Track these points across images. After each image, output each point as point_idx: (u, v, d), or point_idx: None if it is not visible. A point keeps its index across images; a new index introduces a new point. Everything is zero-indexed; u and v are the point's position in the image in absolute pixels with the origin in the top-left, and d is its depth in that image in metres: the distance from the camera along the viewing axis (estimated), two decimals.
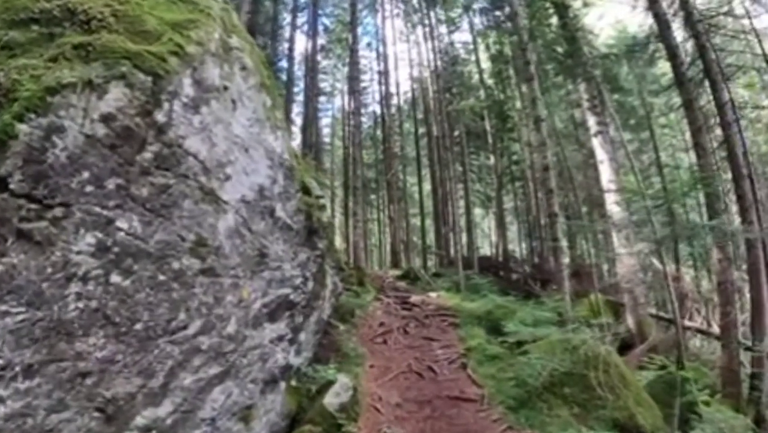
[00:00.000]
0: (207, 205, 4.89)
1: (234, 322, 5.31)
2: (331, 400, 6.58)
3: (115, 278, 4.05)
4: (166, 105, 4.52)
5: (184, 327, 4.76)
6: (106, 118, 4.05)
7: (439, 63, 25.49)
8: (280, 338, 6.23)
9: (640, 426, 7.57)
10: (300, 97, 27.76)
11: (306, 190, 6.60)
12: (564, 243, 10.14)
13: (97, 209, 3.95)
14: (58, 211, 3.74)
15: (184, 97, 4.74)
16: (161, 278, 4.41)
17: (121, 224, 4.09)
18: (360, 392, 7.37)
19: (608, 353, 8.31)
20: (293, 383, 6.87)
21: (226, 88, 5.37)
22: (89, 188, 3.92)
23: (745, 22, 15.12)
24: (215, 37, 5.47)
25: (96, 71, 4.17)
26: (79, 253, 3.81)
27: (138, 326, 4.24)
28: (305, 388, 6.93)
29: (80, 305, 3.83)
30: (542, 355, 7.98)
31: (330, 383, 6.90)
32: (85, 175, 3.90)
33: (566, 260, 10.36)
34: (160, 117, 4.45)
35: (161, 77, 4.49)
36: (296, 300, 6.47)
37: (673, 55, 14.33)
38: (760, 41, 15.33)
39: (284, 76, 24.05)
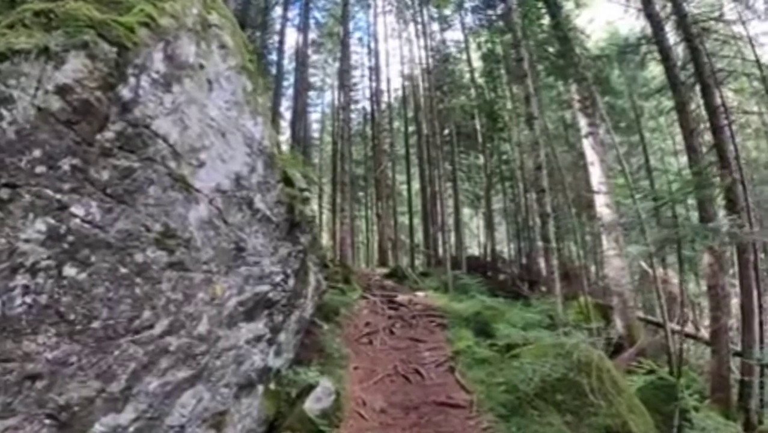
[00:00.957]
0: (176, 193, 4.43)
1: (206, 321, 4.86)
2: (311, 405, 6.15)
3: (69, 270, 3.59)
4: (132, 80, 4.05)
5: (150, 326, 4.30)
6: (63, 91, 3.59)
7: (430, 61, 25.14)
8: (258, 339, 5.77)
9: None
10: (290, 92, 27.25)
11: (288, 181, 6.15)
12: (553, 244, 9.82)
13: (49, 192, 3.48)
14: (3, 193, 3.29)
15: (153, 73, 4.28)
16: (123, 271, 3.95)
17: (76, 209, 3.63)
18: (343, 397, 6.94)
19: (601, 359, 7.99)
20: (272, 386, 6.43)
21: (202, 66, 4.90)
22: (40, 169, 3.46)
23: (735, 28, 15.05)
24: (193, 12, 5.01)
25: (56, 39, 3.71)
26: (27, 241, 3.36)
27: (95, 325, 3.79)
28: (285, 392, 6.49)
29: (28, 299, 3.38)
30: (533, 360, 7.62)
31: (311, 387, 6.46)
32: (36, 153, 3.44)
33: (555, 261, 10.01)
34: (125, 93, 3.99)
35: (128, 49, 4.02)
36: (276, 298, 6.02)
37: (666, 57, 14.12)
38: (753, 46, 15.17)
39: (274, 70, 23.50)
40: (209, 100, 4.97)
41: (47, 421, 3.52)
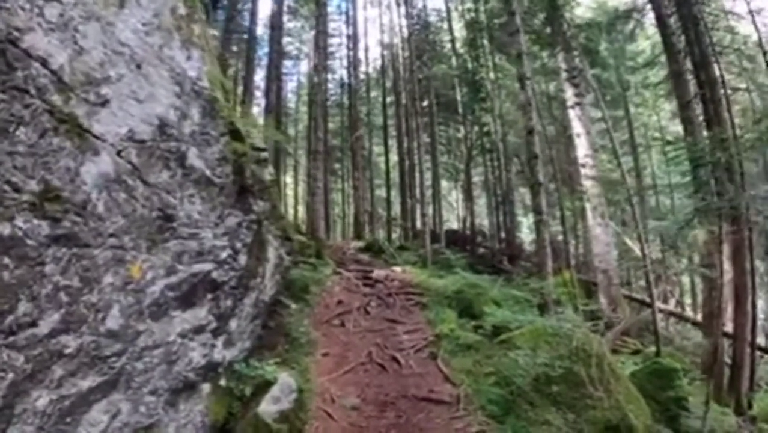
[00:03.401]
0: (62, 140, 3.09)
1: (117, 312, 3.58)
2: (267, 407, 4.94)
3: None
4: None
5: (31, 323, 3.04)
6: None
7: (410, 29, 23.59)
8: (199, 330, 4.51)
9: (632, 427, 6.31)
10: (264, 62, 25.45)
11: (236, 136, 4.81)
12: (545, 216, 8.72)
13: None
14: None
15: None
16: None
17: None
18: (308, 391, 5.75)
19: (600, 345, 7.00)
20: (222, 382, 5.19)
21: None
22: None
23: (727, 3, 14.24)
24: None
25: None
26: None
27: None
28: (239, 388, 5.26)
29: None
30: (525, 346, 6.53)
31: (268, 384, 5.25)
32: None
33: (546, 235, 8.90)
34: None
35: None
36: (222, 279, 4.74)
37: (663, 24, 13.13)
38: (754, 21, 14.13)
39: (246, 36, 21.74)
40: (118, 19, 3.59)
41: None
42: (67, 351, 3.30)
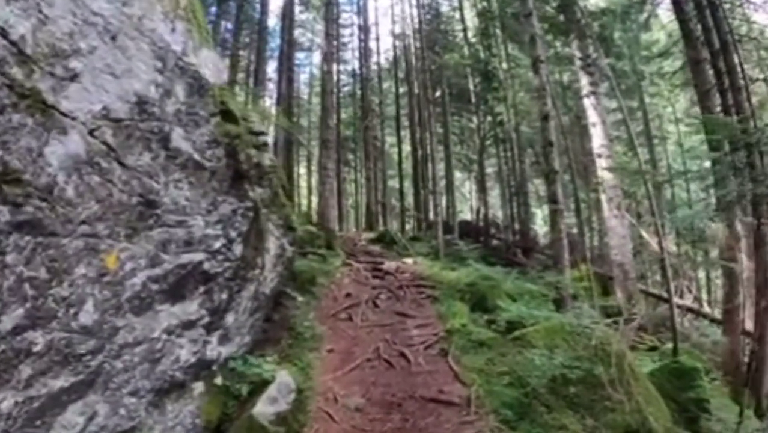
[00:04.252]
0: (23, 117, 2.71)
1: (92, 306, 3.21)
2: (264, 408, 4.56)
3: None
4: None
5: None
6: None
7: (422, 19, 23.03)
8: (188, 325, 4.14)
9: (653, 432, 5.87)
10: (276, 54, 25.07)
11: (229, 117, 4.41)
12: (561, 206, 8.22)
13: None
14: None
15: None
16: None
17: None
18: (309, 390, 5.37)
19: (619, 343, 6.55)
20: (218, 381, 4.84)
21: None
22: None
23: None
24: None
25: None
26: None
27: None
28: (235, 387, 4.90)
29: None
30: (541, 343, 6.08)
31: (266, 383, 4.88)
32: None
33: (563, 226, 8.42)
34: None
35: None
36: (215, 270, 4.37)
37: (680, 9, 12.54)
38: None
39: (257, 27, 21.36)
40: None
41: None
42: (35, 349, 2.96)
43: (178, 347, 3.96)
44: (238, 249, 4.63)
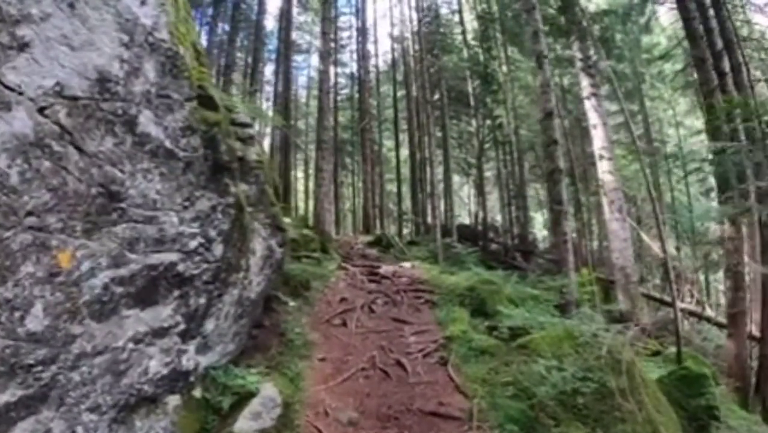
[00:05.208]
0: None
1: (41, 311, 2.77)
2: (246, 425, 4.11)
3: None
4: None
5: None
6: None
7: (421, 22, 22.71)
8: (160, 333, 3.69)
9: None
10: (274, 56, 24.79)
11: (208, 103, 3.97)
12: (565, 207, 7.81)
13: None
14: None
15: None
16: None
17: None
18: (299, 403, 4.91)
19: (628, 350, 6.16)
20: (197, 393, 4.39)
21: None
22: None
23: None
24: None
25: None
26: None
27: None
28: (215, 400, 4.45)
29: None
30: (548, 351, 5.65)
31: (250, 396, 4.43)
32: None
33: (568, 229, 7.99)
34: None
35: None
36: (191, 272, 3.92)
37: (684, 8, 12.27)
38: None
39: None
40: None
41: None
42: None
43: (146, 357, 3.51)
44: (218, 249, 4.19)
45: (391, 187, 27.80)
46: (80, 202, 2.94)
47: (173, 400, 4.03)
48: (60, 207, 2.82)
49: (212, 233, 4.08)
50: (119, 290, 3.24)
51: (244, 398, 4.47)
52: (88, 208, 2.99)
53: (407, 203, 26.08)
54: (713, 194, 24.11)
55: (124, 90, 3.15)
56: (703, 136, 19.04)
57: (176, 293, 3.82)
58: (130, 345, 3.37)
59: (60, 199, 2.81)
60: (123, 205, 3.21)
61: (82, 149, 2.92)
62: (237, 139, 4.64)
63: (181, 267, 3.78)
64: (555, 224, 7.89)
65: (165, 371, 3.73)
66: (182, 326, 3.95)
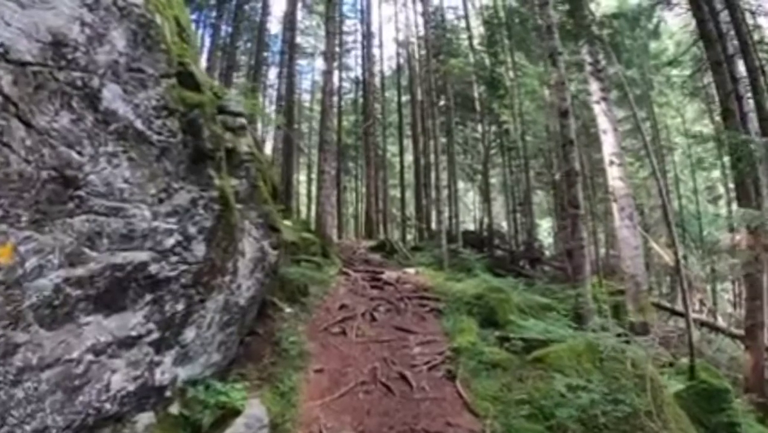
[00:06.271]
0: None
1: None
2: None
3: None
4: None
5: None
6: None
7: (427, 26, 22.34)
8: (128, 343, 3.19)
9: None
10: (277, 59, 24.40)
11: (189, 82, 3.48)
12: (582, 211, 7.30)
13: None
14: None
15: None
16: None
17: None
18: (290, 421, 4.40)
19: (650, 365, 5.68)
20: (174, 409, 3.88)
21: None
22: None
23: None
24: None
25: None
26: None
27: None
28: (195, 417, 3.93)
29: None
30: (567, 367, 5.12)
31: (235, 413, 3.92)
32: None
33: (584, 234, 7.45)
34: None
35: None
36: (166, 274, 3.42)
37: (697, 7, 11.86)
38: None
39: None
40: None
41: None
42: None
43: (108, 371, 3.00)
44: (199, 249, 3.69)
45: (395, 193, 27.31)
46: (26, 188, 2.45)
47: (144, 418, 3.52)
48: (1, 191, 2.33)
49: (192, 230, 3.58)
50: (75, 292, 2.75)
51: (229, 414, 3.96)
52: (37, 195, 2.50)
53: (411, 209, 25.61)
54: (722, 202, 23.76)
55: (85, 58, 2.66)
56: (711, 144, 18.74)
57: (148, 297, 3.33)
58: (89, 357, 2.87)
59: (0, 182, 2.32)
60: (81, 193, 2.72)
61: (30, 124, 2.43)
62: (226, 129, 4.16)
63: (154, 268, 3.28)
64: (571, 228, 7.36)
65: (132, 387, 3.22)
66: (156, 335, 3.45)
